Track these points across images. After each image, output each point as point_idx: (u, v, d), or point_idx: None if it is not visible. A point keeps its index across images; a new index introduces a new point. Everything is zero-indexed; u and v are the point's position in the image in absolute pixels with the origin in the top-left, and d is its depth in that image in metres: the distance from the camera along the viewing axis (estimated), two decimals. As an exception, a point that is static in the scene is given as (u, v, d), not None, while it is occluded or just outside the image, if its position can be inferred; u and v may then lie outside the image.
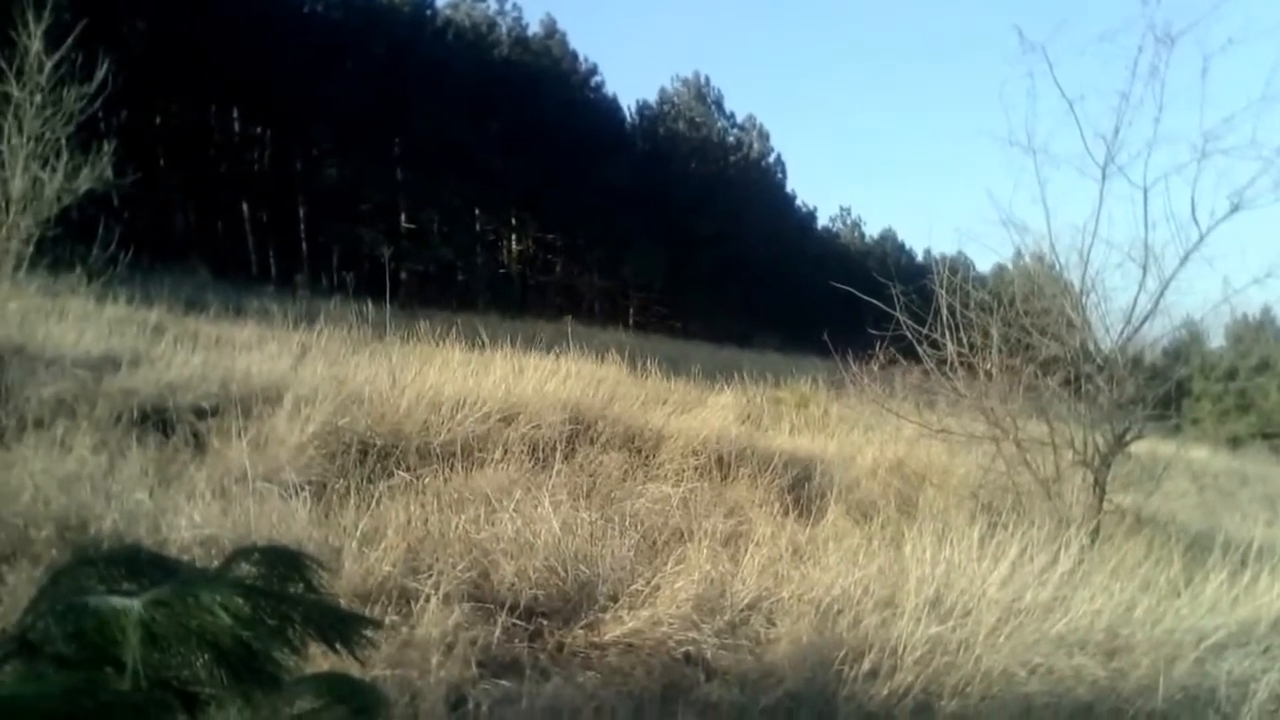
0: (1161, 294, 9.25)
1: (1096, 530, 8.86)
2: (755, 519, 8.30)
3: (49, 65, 12.77)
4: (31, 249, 12.73)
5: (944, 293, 9.91)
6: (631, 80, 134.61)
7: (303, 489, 7.07)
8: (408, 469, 8.37)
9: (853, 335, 12.10)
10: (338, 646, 1.90)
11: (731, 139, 68.11)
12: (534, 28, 55.59)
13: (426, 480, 7.94)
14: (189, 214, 40.42)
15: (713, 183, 59.56)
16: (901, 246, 77.94)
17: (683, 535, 7.23)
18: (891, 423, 12.55)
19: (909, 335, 10.12)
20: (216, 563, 1.92)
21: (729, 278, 57.10)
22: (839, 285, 10.94)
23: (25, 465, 6.17)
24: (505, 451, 9.12)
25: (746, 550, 6.80)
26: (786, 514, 8.85)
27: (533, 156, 47.54)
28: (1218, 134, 8.88)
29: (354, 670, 2.17)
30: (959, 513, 8.81)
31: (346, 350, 12.34)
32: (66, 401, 8.22)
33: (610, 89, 59.91)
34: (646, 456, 10.33)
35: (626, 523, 7.26)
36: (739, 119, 69.13)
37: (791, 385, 18.36)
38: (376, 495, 7.15)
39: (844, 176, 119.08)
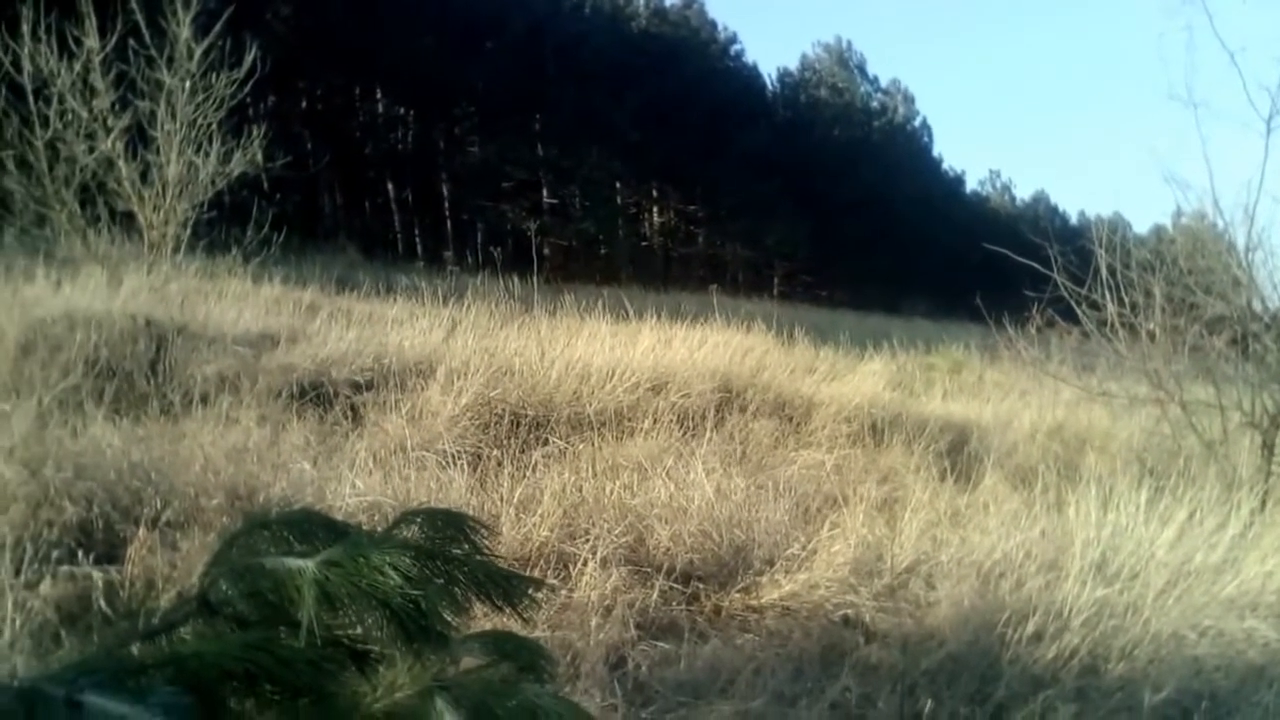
0: (1331, 247, 8.89)
1: (1266, 493, 8.56)
2: (911, 485, 8.20)
3: (198, 52, 13.08)
4: (188, 232, 13.10)
5: (1103, 252, 9.63)
6: (772, 47, 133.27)
7: (459, 458, 7.21)
8: (560, 438, 8.47)
9: (1006, 299, 11.85)
10: (502, 606, 1.93)
11: (875, 104, 67.33)
12: (671, -2, 55.47)
13: (579, 448, 8.03)
14: (336, 195, 41.26)
15: (856, 149, 58.91)
16: (1055, 209, 76.30)
17: (837, 501, 7.18)
18: (1050, 387, 12.29)
19: (1067, 296, 9.87)
20: (382, 527, 1.96)
21: (875, 245, 56.36)
22: (991, 247, 10.71)
23: (194, 438, 6.40)
24: (655, 420, 9.16)
25: (903, 515, 6.73)
26: (943, 479, 8.74)
27: (673, 128, 47.52)
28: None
29: (517, 630, 2.20)
30: (1123, 477, 8.57)
31: (495, 324, 12.50)
32: (229, 378, 8.47)
33: (750, 57, 59.78)
34: (798, 424, 10.29)
35: (780, 489, 7.24)
36: (883, 83, 68.38)
37: (944, 351, 18.11)
38: (531, 464, 7.24)
39: (994, 139, 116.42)
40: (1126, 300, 9.60)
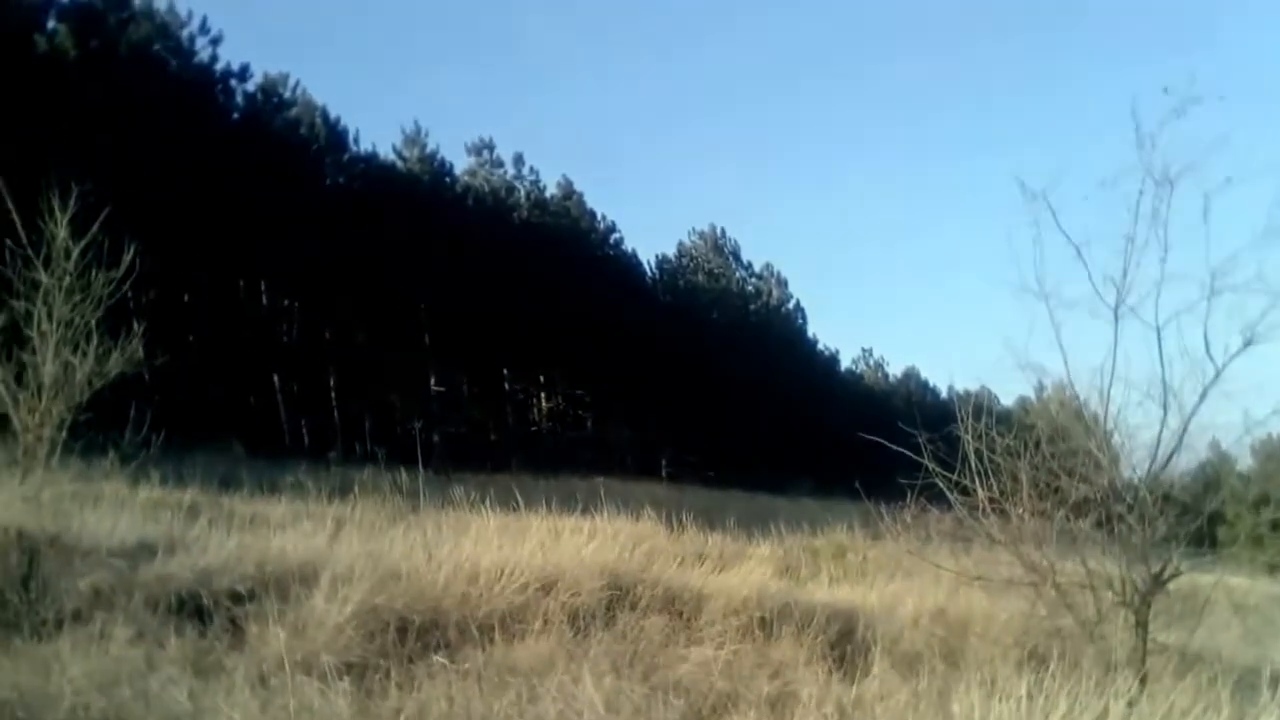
0: (1184, 431, 9.27)
1: (1144, 673, 8.73)
2: (801, 679, 8.23)
3: (75, 252, 12.97)
4: (64, 435, 12.82)
5: (970, 439, 9.92)
6: (649, 235, 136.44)
7: (343, 674, 7.06)
8: (447, 646, 8.36)
9: (884, 478, 12.08)
10: None
11: (751, 288, 69.12)
12: (551, 190, 56.77)
13: (467, 661, 7.90)
14: (221, 388, 40.82)
15: (735, 331, 60.17)
16: (925, 384, 78.12)
17: (729, 701, 7.17)
18: (930, 569, 12.47)
19: (939, 483, 10.11)
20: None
21: (758, 424, 57.16)
22: (868, 436, 10.97)
23: (64, 669, 6.20)
24: (545, 621, 9.10)
25: (794, 715, 6.74)
26: (831, 673, 8.78)
27: (557, 315, 48.09)
28: (1225, 271, 8.94)
29: None
30: (1005, 663, 8.71)
31: (382, 522, 12.39)
32: (103, 592, 8.27)
33: (629, 245, 60.88)
34: (688, 619, 10.29)
35: (673, 690, 7.22)
36: (756, 268, 70.26)
37: (828, 533, 18.29)
38: (417, 679, 7.13)
39: (863, 318, 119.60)
40: (995, 485, 9.87)
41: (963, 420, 9.95)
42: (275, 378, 42.61)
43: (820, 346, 74.64)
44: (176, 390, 30.64)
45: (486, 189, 53.30)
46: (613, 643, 8.73)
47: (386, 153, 49.29)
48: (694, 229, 67.98)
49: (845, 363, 78.91)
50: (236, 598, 8.70)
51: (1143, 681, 8.46)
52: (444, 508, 14.04)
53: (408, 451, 30.46)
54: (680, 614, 10.48)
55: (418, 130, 50.27)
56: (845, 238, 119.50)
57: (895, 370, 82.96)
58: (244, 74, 41.02)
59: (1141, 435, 9.74)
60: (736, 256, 68.44)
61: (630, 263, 60.98)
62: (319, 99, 45.37)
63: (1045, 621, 9.83)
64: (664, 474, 50.78)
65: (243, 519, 12.37)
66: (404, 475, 14.94)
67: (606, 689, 6.88)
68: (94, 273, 13.11)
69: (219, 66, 39.81)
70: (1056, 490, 9.71)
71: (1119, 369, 9.44)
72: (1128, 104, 9.17)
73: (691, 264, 65.90)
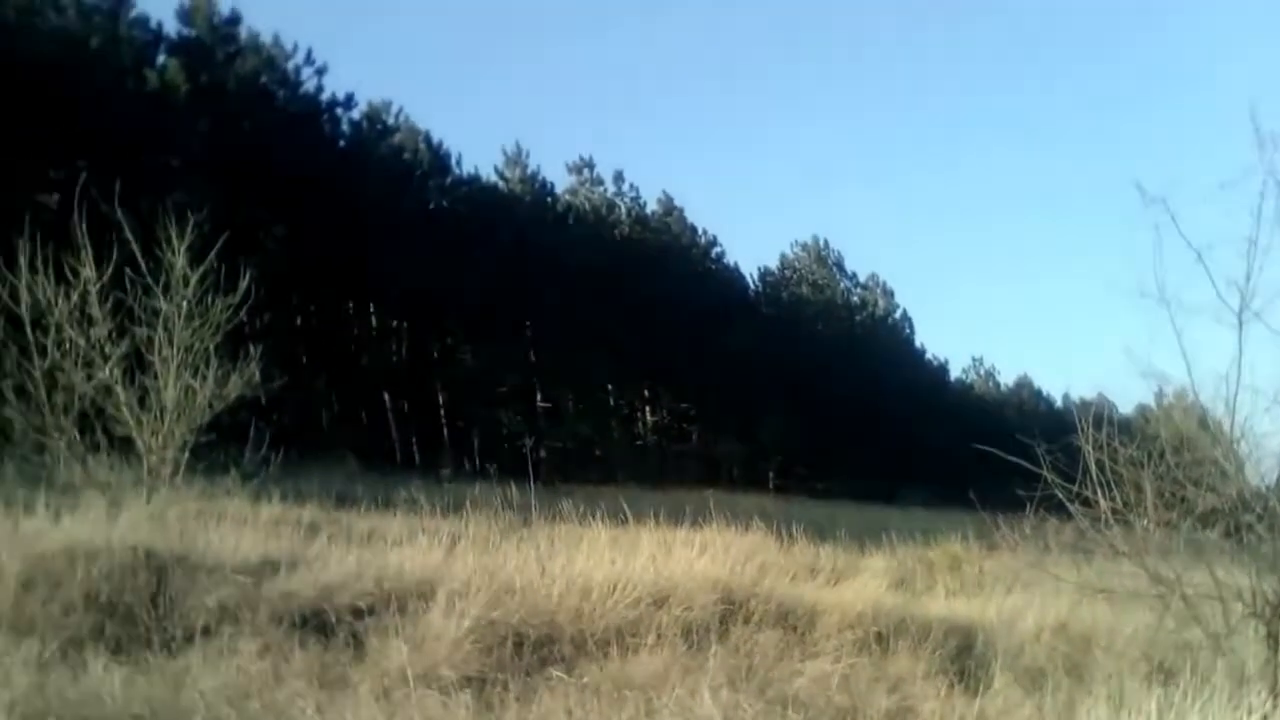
0: (1315, 437, 9.01)
1: (1278, 687, 8.47)
2: (920, 694, 8.12)
3: (194, 279, 13.25)
4: (187, 455, 13.09)
5: (1090, 449, 9.71)
6: (752, 248, 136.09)
7: (463, 688, 7.13)
8: (563, 660, 8.40)
9: (998, 488, 11.88)
10: None
11: (856, 299, 68.54)
12: (652, 205, 56.97)
13: (584, 675, 7.92)
14: (334, 407, 41.56)
15: (841, 343, 59.76)
16: (1039, 393, 76.91)
17: (847, 716, 7.10)
18: (1049, 581, 12.23)
19: (1058, 494, 9.91)
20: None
21: (866, 436, 56.64)
22: (981, 447, 10.80)
23: (195, 682, 6.33)
24: (659, 635, 9.09)
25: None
26: (951, 688, 8.64)
27: (661, 329, 48.22)
28: (1353, 273, 8.67)
29: None
30: (1132, 677, 8.51)
31: (495, 537, 12.48)
32: (229, 608, 8.43)
33: (731, 258, 60.81)
34: (802, 633, 10.20)
35: (789, 704, 7.16)
36: (861, 278, 69.70)
37: (942, 545, 18.04)
38: (535, 692, 7.16)
39: (975, 326, 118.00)
40: (1118, 496, 9.64)
41: (1082, 429, 9.75)
42: (386, 396, 43.26)
43: (929, 356, 73.84)
44: (292, 410, 31.27)
45: (587, 207, 53.66)
46: (727, 656, 8.69)
47: (489, 174, 49.94)
48: (796, 240, 67.76)
49: (955, 372, 77.76)
50: (357, 612, 8.83)
51: (1276, 696, 8.21)
52: (554, 521, 14.10)
53: (515, 466, 30.70)
54: (794, 628, 10.40)
55: (519, 151, 50.84)
56: (955, 246, 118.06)
57: (1007, 379, 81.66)
58: (349, 102, 41.78)
59: (1270, 443, 9.49)
60: (840, 267, 68.06)
61: (732, 276, 60.92)
62: (421, 124, 46.08)
63: (1172, 634, 9.58)
64: (771, 486, 50.56)
65: (360, 535, 12.55)
66: (514, 489, 15.05)
67: (723, 703, 6.85)
68: (211, 299, 13.41)
69: (325, 96, 40.58)
70: (1182, 500, 9.47)
71: (1244, 375, 9.19)
72: (1247, 105, 8.96)
73: (795, 276, 65.59)
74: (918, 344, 72.48)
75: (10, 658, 6.16)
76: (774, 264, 65.63)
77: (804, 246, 66.95)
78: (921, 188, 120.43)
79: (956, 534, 18.26)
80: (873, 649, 9.96)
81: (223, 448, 14.18)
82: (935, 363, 74.47)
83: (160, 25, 35.65)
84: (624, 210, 55.36)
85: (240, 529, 11.09)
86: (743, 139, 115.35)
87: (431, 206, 45.25)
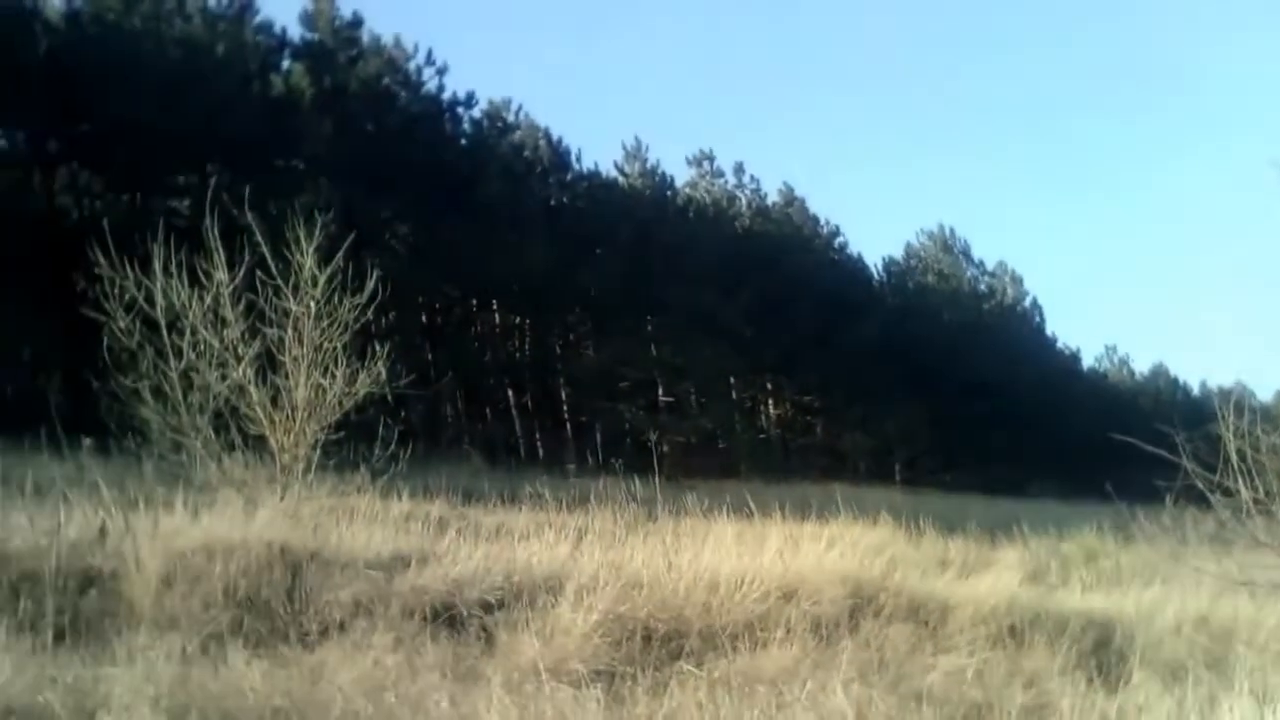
0: None
1: None
2: (1057, 689, 7.94)
3: (322, 279, 13.45)
4: (318, 452, 13.32)
5: (1230, 437, 9.42)
6: (875, 238, 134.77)
7: (593, 681, 7.15)
8: (691, 654, 8.39)
9: (1133, 479, 11.60)
10: None
11: (984, 287, 67.29)
12: (773, 197, 56.53)
13: (715, 670, 7.90)
14: (458, 404, 42.10)
15: (968, 332, 58.67)
16: (1175, 381, 74.75)
17: (982, 711, 6.97)
18: (1189, 573, 11.91)
19: (1198, 484, 9.63)
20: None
21: (995, 427, 55.52)
22: (1117, 437, 10.54)
23: (332, 675, 6.43)
24: (788, 630, 9.04)
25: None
26: (1090, 682, 8.45)
27: (783, 321, 47.94)
28: None
29: None
30: (1276, 671, 8.23)
31: (620, 531, 12.53)
32: (363, 603, 8.57)
33: (855, 248, 60.21)
34: (934, 628, 10.06)
35: (922, 699, 7.06)
36: (989, 266, 68.40)
37: (1077, 537, 17.67)
38: (665, 686, 7.16)
39: (1107, 313, 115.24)
40: (1260, 485, 9.34)
41: (1223, 417, 9.47)
42: (509, 392, 43.70)
43: (1060, 345, 72.20)
44: (418, 407, 31.73)
45: (708, 200, 53.48)
46: (857, 651, 8.62)
47: (608, 170, 50.15)
48: (921, 229, 66.81)
49: (1088, 360, 75.86)
50: (487, 606, 8.92)
51: None
52: (678, 516, 14.10)
53: (638, 461, 30.80)
54: (925, 622, 10.27)
55: (638, 145, 50.93)
56: (1087, 232, 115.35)
57: (1142, 367, 79.43)
58: (470, 101, 42.19)
59: None
60: (967, 255, 66.80)
61: (856, 266, 60.27)
62: (541, 121, 46.42)
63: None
64: (898, 479, 49.87)
65: (488, 530, 12.66)
66: (637, 483, 15.09)
67: (855, 697, 6.78)
68: (339, 298, 13.63)
69: (445, 96, 41.04)
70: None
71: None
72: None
73: (920, 265, 64.65)
74: (1049, 332, 71.01)
75: (154, 652, 6.32)
76: (899, 254, 64.92)
77: (929, 235, 65.97)
78: (1051, 174, 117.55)
79: (1091, 526, 17.87)
80: (1007, 644, 9.78)
81: (351, 444, 14.43)
82: (1067, 351, 72.77)
83: (284, 30, 36.46)
84: (745, 202, 55.08)
85: (371, 525, 11.25)
86: (867, 125, 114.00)
87: (552, 203, 45.60)
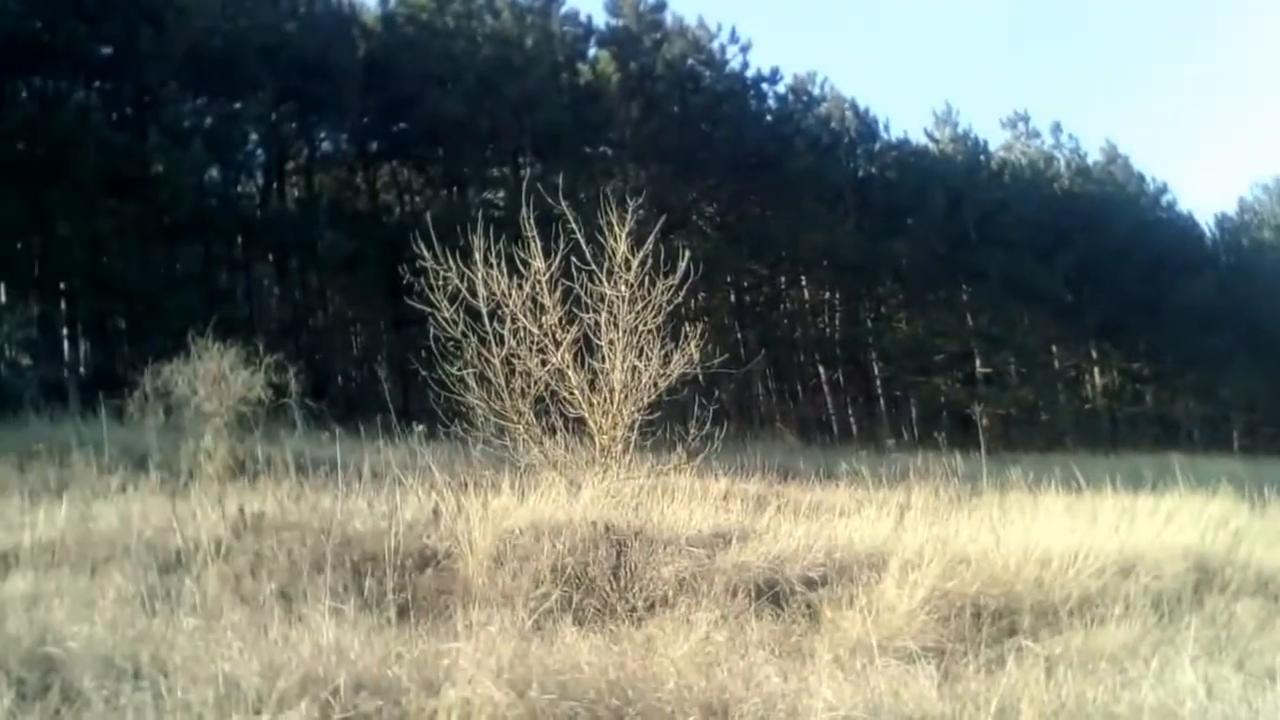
0: None
1: None
2: None
3: (635, 263, 13.62)
4: (635, 434, 13.54)
5: None
6: (1207, 192, 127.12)
7: (923, 658, 7.01)
8: (1023, 631, 8.12)
9: None
10: None
11: (1329, 242, 62.61)
12: (1094, 156, 54.30)
13: (1054, 647, 7.62)
14: (769, 382, 42.26)
15: (1313, 290, 54.74)
16: None
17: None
18: None
19: None
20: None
21: (1345, 389, 51.67)
22: None
23: (664, 649, 6.52)
24: (1126, 606, 8.63)
25: None
26: None
27: (1107, 286, 46.05)
28: None
29: None
30: None
31: (942, 507, 12.28)
32: (686, 579, 8.67)
33: (1184, 205, 57.07)
34: (1288, 603, 9.43)
35: (1275, 679, 6.61)
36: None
37: None
38: (998, 660, 6.95)
39: None
40: None
41: None
42: (820, 368, 43.55)
43: None
44: (730, 386, 32.02)
45: (1024, 162, 51.80)
46: (1201, 627, 8.14)
47: (917, 138, 49.22)
48: (1256, 181, 62.65)
49: None
50: (809, 583, 8.89)
51: None
52: (1003, 490, 13.71)
53: (956, 435, 30.11)
54: (1275, 597, 9.64)
55: (949, 110, 49.75)
56: None
57: None
58: (774, 77, 42.29)
59: None
60: (1309, 207, 62.36)
61: (1185, 224, 57.21)
62: (847, 92, 45.97)
63: None
64: (1236, 447, 47.01)
65: (806, 507, 12.62)
66: (958, 458, 14.73)
67: (1203, 674, 6.40)
68: (651, 281, 13.80)
69: (750, 73, 41.18)
70: None
71: None
72: None
73: (1256, 220, 60.72)
74: None
75: (491, 627, 6.56)
76: (1232, 210, 61.16)
77: (1265, 188, 61.82)
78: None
79: None
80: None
81: (666, 425, 14.63)
82: None
83: (589, 18, 37.45)
84: (1063, 162, 52.98)
85: (690, 503, 11.40)
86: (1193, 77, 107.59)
87: (860, 174, 45.18)
